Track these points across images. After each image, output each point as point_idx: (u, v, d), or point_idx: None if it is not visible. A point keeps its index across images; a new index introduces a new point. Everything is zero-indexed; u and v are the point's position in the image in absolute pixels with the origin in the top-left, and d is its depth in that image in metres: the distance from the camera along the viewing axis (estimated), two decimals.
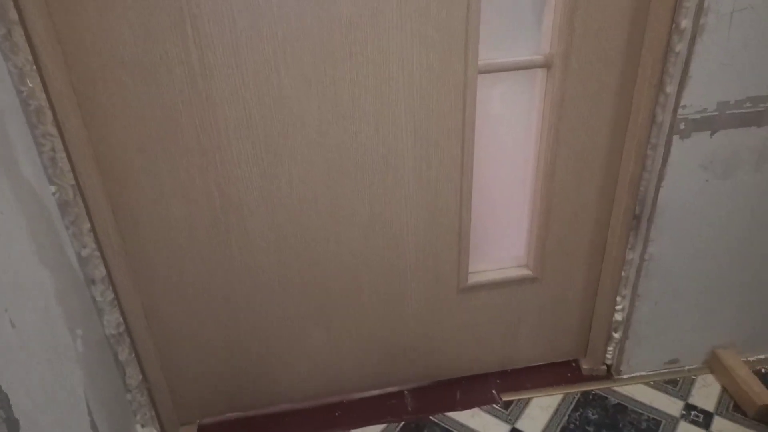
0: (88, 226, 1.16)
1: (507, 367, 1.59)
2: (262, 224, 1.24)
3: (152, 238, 1.21)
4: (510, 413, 1.48)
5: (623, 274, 1.44)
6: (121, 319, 1.28)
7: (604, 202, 1.35)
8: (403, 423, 1.47)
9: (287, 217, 1.24)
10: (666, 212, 1.32)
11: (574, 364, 1.62)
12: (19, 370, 0.90)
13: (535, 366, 1.61)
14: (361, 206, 1.25)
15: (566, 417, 1.47)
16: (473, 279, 1.41)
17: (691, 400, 1.49)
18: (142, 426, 1.44)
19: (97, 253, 1.19)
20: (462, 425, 1.46)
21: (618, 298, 1.47)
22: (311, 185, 1.21)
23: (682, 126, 1.22)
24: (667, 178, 1.28)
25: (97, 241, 1.17)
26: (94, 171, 1.10)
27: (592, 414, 1.47)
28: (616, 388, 1.54)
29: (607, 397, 1.52)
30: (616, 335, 1.52)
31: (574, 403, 1.50)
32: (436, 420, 1.48)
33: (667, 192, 1.29)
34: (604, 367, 1.58)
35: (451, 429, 1.45)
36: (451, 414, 1.49)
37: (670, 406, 1.48)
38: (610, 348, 1.55)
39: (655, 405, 1.49)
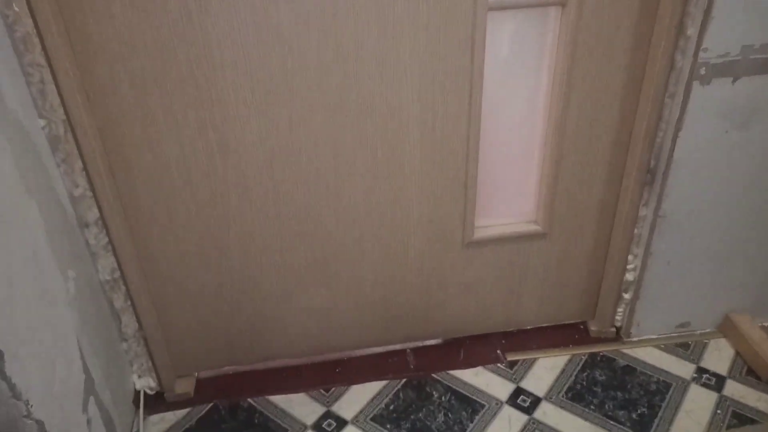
0: (80, 164, 1.13)
1: (512, 327, 1.55)
2: (260, 169, 1.19)
3: (145, 179, 1.17)
4: (515, 372, 1.45)
5: (636, 231, 1.38)
6: (115, 264, 1.24)
7: (617, 154, 1.29)
8: (404, 380, 1.44)
9: (285, 162, 1.19)
10: (682, 165, 1.26)
11: (581, 327, 1.57)
12: (4, 307, 0.87)
13: (541, 327, 1.56)
14: (362, 152, 1.21)
15: (573, 377, 1.43)
16: (479, 233, 1.36)
17: (703, 364, 1.45)
18: (139, 377, 1.42)
19: (90, 194, 1.15)
20: (465, 383, 1.42)
21: (629, 257, 1.42)
22: (311, 129, 1.17)
23: (702, 71, 1.15)
24: (684, 128, 1.22)
25: (89, 180, 1.14)
26: (85, 106, 1.06)
27: (600, 375, 1.43)
28: (625, 351, 1.49)
29: (615, 359, 1.47)
30: (627, 296, 1.47)
31: (581, 364, 1.46)
32: (438, 378, 1.44)
33: (684, 143, 1.23)
34: (613, 329, 1.53)
35: (453, 387, 1.42)
36: (454, 372, 1.45)
37: (681, 368, 1.44)
38: (619, 309, 1.50)
39: (665, 367, 1.44)
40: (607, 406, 1.35)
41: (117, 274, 1.26)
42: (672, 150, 1.25)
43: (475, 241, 1.37)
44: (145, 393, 1.41)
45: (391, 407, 1.37)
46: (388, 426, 1.33)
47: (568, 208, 1.36)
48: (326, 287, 1.38)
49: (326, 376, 1.46)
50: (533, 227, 1.38)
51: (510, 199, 1.37)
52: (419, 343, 1.54)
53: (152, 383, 1.42)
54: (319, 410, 1.37)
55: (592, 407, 1.35)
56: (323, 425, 1.34)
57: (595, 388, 1.40)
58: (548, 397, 1.38)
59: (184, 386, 1.43)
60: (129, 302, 1.30)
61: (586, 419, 1.32)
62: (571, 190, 1.33)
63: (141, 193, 1.18)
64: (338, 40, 1.08)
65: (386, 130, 1.19)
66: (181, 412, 1.39)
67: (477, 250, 1.39)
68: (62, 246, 1.11)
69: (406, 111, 1.17)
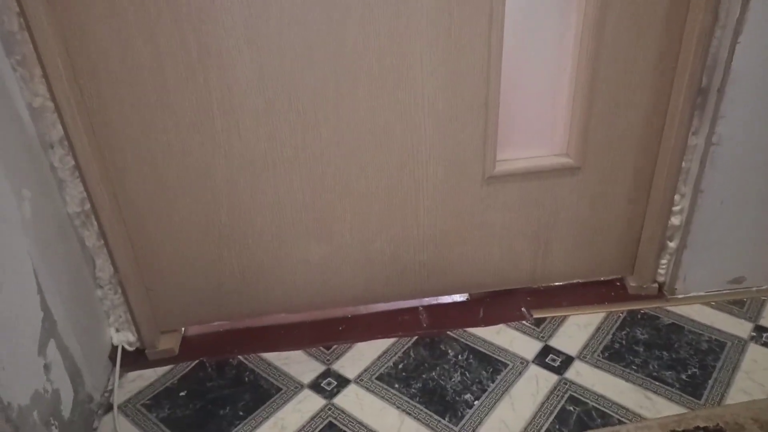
0: (39, 71, 0.98)
1: (539, 283, 1.36)
2: (248, 81, 1.03)
3: (115, 92, 1.02)
4: (542, 330, 1.26)
5: (683, 165, 1.19)
6: (85, 194, 1.09)
7: (663, 69, 1.11)
8: (416, 338, 1.26)
9: (277, 71, 1.03)
10: (741, 80, 1.07)
11: (618, 284, 1.38)
12: None
13: (571, 284, 1.38)
14: (366, 59, 1.04)
15: (609, 336, 1.24)
16: (501, 167, 1.19)
17: (763, 322, 1.25)
18: (117, 330, 1.26)
19: (51, 105, 1.00)
20: (485, 341, 1.24)
21: (676, 197, 1.23)
22: (305, 30, 1.00)
23: None
24: (746, 31, 1.03)
25: (50, 90, 0.98)
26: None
27: (642, 334, 1.24)
28: (669, 308, 1.30)
29: (659, 317, 1.28)
30: (672, 244, 1.28)
31: (618, 322, 1.27)
32: (454, 335, 1.26)
33: (745, 52, 1.05)
34: (655, 285, 1.34)
35: (472, 344, 1.24)
36: (473, 330, 1.28)
37: (737, 327, 1.24)
38: (663, 261, 1.31)
39: (718, 326, 1.24)
40: (651, 366, 1.16)
41: (87, 206, 1.11)
42: (729, 61, 1.06)
43: (497, 176, 1.19)
44: (123, 349, 1.26)
45: (400, 366, 1.20)
46: (397, 386, 1.15)
47: (604, 137, 1.17)
48: (327, 231, 1.21)
49: (327, 333, 1.29)
50: (564, 160, 1.20)
51: (537, 127, 1.19)
52: (433, 300, 1.36)
53: (131, 338, 1.26)
54: (318, 368, 1.20)
55: (633, 367, 1.16)
56: (322, 384, 1.17)
57: (636, 347, 1.21)
58: (582, 357, 1.19)
59: (168, 342, 1.27)
60: (102, 241, 1.14)
61: (627, 380, 1.13)
62: (609, 114, 1.15)
63: (110, 107, 1.03)
64: None
65: (395, 33, 1.02)
66: (162, 369, 1.23)
67: (499, 186, 1.21)
68: (17, 163, 0.96)
69: (417, 10, 1.01)
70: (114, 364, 1.23)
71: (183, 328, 1.33)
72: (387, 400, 1.13)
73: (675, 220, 1.25)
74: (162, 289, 1.24)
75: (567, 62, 1.12)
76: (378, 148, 1.13)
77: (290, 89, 1.05)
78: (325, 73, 1.04)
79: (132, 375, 1.22)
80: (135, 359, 1.25)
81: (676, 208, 1.24)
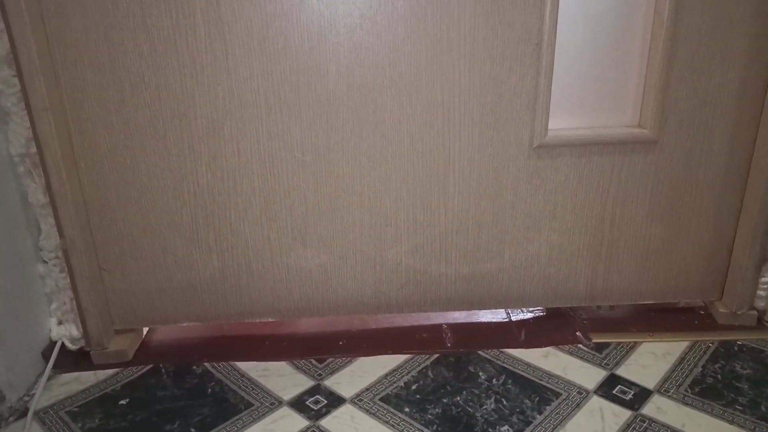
0: None
1: (599, 302, 1.06)
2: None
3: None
4: (605, 357, 0.95)
5: None
6: (32, 133, 0.87)
7: (765, 4, 0.87)
8: (437, 355, 0.96)
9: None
10: None
11: (702, 312, 1.07)
12: None
13: (640, 307, 1.07)
14: None
15: (699, 368, 0.92)
16: (555, 134, 0.93)
17: None
18: (59, 322, 1.00)
19: None
20: (528, 365, 0.94)
21: None
22: None
23: None
24: None
25: None
26: None
27: (743, 368, 0.92)
28: None
29: (763, 350, 0.96)
30: None
31: (709, 353, 0.95)
32: (487, 356, 0.96)
33: None
34: (754, 312, 1.02)
35: (511, 367, 0.93)
36: (512, 351, 0.97)
37: None
38: (764, 279, 1.00)
39: None
40: (765, 407, 0.83)
41: (33, 148, 0.89)
42: None
43: (549, 146, 0.93)
44: (63, 345, 0.99)
45: (414, 387, 0.89)
46: (407, 409, 0.85)
47: (689, 103, 0.92)
48: (330, 210, 0.96)
49: (324, 345, 1.00)
50: (636, 131, 0.94)
51: (601, 88, 0.94)
52: (459, 318, 1.07)
53: (75, 333, 0.99)
54: (304, 383, 0.91)
55: (738, 407, 0.83)
56: (307, 402, 0.87)
57: (738, 384, 0.88)
58: (663, 390, 0.87)
59: (122, 343, 1.00)
60: (48, 197, 0.91)
61: (731, 422, 0.81)
62: (696, 72, 0.90)
63: (72, 20, 0.83)
64: None
65: None
66: (105, 373, 0.95)
67: (551, 161, 0.95)
68: None
69: None
70: (47, 362, 0.96)
71: (145, 329, 1.06)
72: (392, 425, 0.82)
73: None
74: (121, 273, 0.98)
75: (641, 3, 0.89)
76: (399, 99, 0.89)
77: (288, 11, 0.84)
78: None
79: (67, 377, 0.94)
80: (76, 361, 0.99)
81: None
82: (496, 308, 1.07)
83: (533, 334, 1.02)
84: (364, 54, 0.87)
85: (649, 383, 0.89)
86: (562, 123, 0.95)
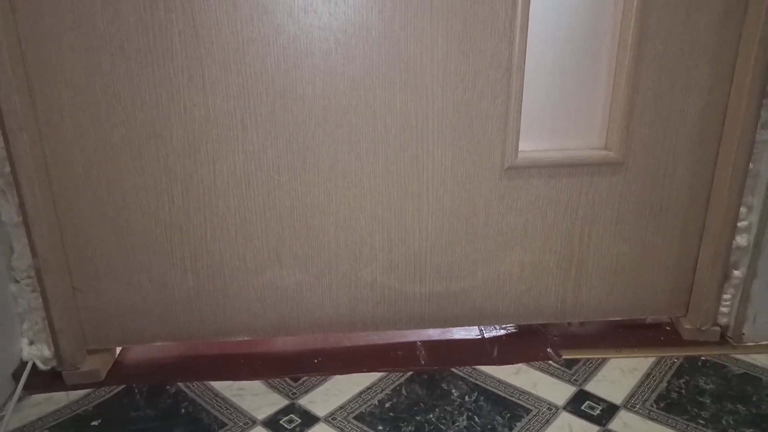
0: None
1: (569, 319, 1.09)
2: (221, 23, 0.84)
3: (56, 18, 0.83)
4: (575, 373, 0.97)
5: (751, 167, 0.96)
6: (5, 149, 0.87)
7: (726, 42, 0.91)
8: (410, 373, 0.98)
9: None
10: None
11: (668, 327, 1.10)
12: None
13: (609, 323, 1.10)
14: (363, 5, 0.85)
15: (664, 383, 0.95)
16: (525, 156, 0.96)
17: None
18: (30, 342, 0.99)
19: None
20: (500, 381, 0.95)
21: (742, 210, 0.98)
22: None
23: None
24: None
25: None
26: None
27: (706, 383, 0.95)
28: (737, 356, 1.01)
29: (726, 365, 0.99)
30: (738, 272, 1.02)
31: (674, 369, 0.98)
32: (460, 373, 0.98)
33: None
34: (717, 329, 1.06)
35: (483, 384, 0.95)
36: (484, 368, 0.99)
37: None
38: (726, 296, 1.04)
39: None
40: (725, 421, 0.86)
41: (7, 167, 0.89)
42: None
43: (520, 167, 0.96)
44: (35, 366, 0.98)
45: (388, 404, 0.91)
46: (381, 427, 0.86)
47: (653, 127, 0.95)
48: (305, 230, 0.97)
49: (298, 364, 1.01)
50: (602, 153, 0.97)
51: (570, 112, 0.98)
52: (434, 335, 1.09)
53: (47, 353, 0.98)
54: (279, 402, 0.92)
55: (701, 421, 0.86)
56: (281, 421, 0.87)
57: (701, 399, 0.91)
58: (629, 406, 0.90)
59: (95, 363, 1.00)
60: (21, 216, 0.91)
61: None
62: (659, 98, 0.94)
63: (47, 24, 0.84)
64: None
65: None
66: (77, 393, 0.94)
67: (521, 182, 0.97)
68: None
69: None
70: (17, 383, 0.95)
71: (117, 349, 1.05)
72: None
73: (741, 240, 1.00)
74: (94, 293, 0.98)
75: (608, 27, 0.93)
76: (373, 121, 0.91)
77: (264, 34, 0.86)
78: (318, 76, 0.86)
79: (38, 398, 0.94)
80: (48, 381, 0.98)
81: (742, 224, 0.99)
82: (469, 325, 1.09)
83: (505, 350, 1.04)
84: (339, 77, 0.89)
85: (617, 399, 0.91)
86: (532, 145, 0.98)
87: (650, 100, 0.94)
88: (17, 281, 0.96)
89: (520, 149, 0.96)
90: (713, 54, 0.92)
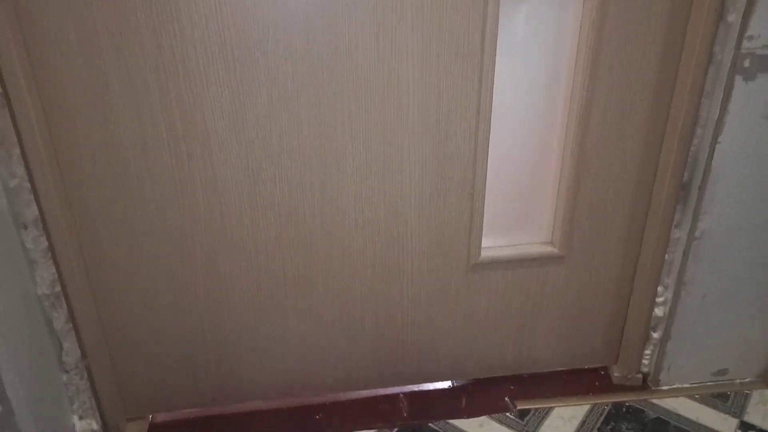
0: (18, 151, 0.95)
1: (524, 370, 1.33)
2: (233, 160, 1.02)
3: (95, 169, 0.99)
4: (526, 424, 1.22)
5: (666, 257, 1.20)
6: (56, 275, 1.05)
7: (646, 164, 1.13)
8: (396, 429, 1.21)
9: (263, 154, 1.02)
10: (722, 177, 1.09)
11: (603, 372, 1.36)
12: None
13: (556, 372, 1.35)
14: (352, 145, 1.04)
15: (595, 430, 1.20)
16: (487, 254, 1.17)
17: (747, 418, 1.23)
18: (80, 418, 1.19)
19: (28, 185, 0.97)
20: None
21: (659, 288, 1.23)
22: (293, 111, 1.00)
23: (746, 64, 1.00)
24: (725, 131, 1.05)
25: (28, 169, 0.96)
26: (21, 66, 0.89)
27: (627, 428, 1.21)
28: (654, 401, 1.27)
29: (643, 410, 1.25)
30: (655, 335, 1.27)
31: (604, 415, 1.24)
32: (436, 428, 1.21)
33: (725, 150, 1.07)
34: (640, 375, 1.32)
35: None
36: (456, 422, 1.23)
37: (721, 423, 1.22)
38: (647, 352, 1.30)
39: (703, 421, 1.22)
40: None
41: (57, 287, 1.06)
42: (710, 158, 1.08)
43: (482, 263, 1.18)
44: None
45: None
46: None
47: (589, 228, 1.18)
48: (307, 311, 1.17)
49: (304, 422, 1.23)
50: (548, 249, 1.19)
51: (522, 215, 1.19)
52: (415, 388, 1.32)
53: (95, 426, 1.18)
54: None
55: None
56: None
57: None
58: None
59: (134, 430, 1.20)
60: (71, 324, 1.09)
61: None
62: (593, 206, 1.15)
63: (88, 183, 1.00)
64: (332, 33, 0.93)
65: (382, 119, 1.02)
66: None
67: (483, 274, 1.19)
68: None
69: (406, 97, 1.01)
70: None
71: (150, 416, 1.26)
72: None
73: (658, 311, 1.24)
74: (131, 374, 1.18)
75: (553, 153, 1.14)
76: (363, 237, 1.11)
77: (275, 170, 1.04)
78: (310, 158, 1.03)
79: None
80: None
81: (659, 300, 1.24)
82: (443, 380, 1.32)
83: (472, 401, 1.28)
84: (332, 212, 1.08)
85: None
86: (491, 242, 1.19)
87: (587, 207, 1.16)
88: (66, 371, 1.14)
89: (483, 246, 1.17)
90: (637, 174, 1.13)
